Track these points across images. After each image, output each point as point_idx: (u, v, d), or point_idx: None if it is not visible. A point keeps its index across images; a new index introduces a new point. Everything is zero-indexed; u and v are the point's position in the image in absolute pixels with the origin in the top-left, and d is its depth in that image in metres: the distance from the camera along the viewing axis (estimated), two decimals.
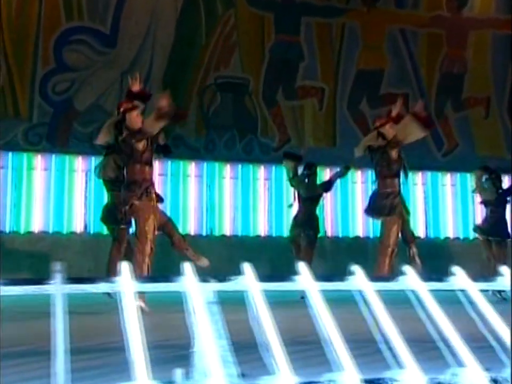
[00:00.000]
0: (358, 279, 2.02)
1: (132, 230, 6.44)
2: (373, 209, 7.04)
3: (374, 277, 2.05)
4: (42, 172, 10.55)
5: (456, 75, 12.95)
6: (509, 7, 12.99)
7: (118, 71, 11.00)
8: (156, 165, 10.86)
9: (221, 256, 10.21)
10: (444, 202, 12.56)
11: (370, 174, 9.53)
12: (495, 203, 8.94)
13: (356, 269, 2.05)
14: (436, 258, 10.21)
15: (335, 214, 11.81)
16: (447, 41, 12.94)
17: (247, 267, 1.95)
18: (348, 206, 11.85)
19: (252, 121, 11.64)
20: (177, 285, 1.87)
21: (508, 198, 9.07)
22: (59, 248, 10.17)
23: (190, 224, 11.03)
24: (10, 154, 10.44)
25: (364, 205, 8.42)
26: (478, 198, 9.79)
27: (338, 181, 9.88)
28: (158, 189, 10.75)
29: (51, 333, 1.56)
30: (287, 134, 11.78)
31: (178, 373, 1.90)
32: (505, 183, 9.90)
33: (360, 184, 11.79)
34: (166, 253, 6.77)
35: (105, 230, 8.47)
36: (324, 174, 11.03)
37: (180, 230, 7.50)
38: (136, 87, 6.11)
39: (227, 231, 11.25)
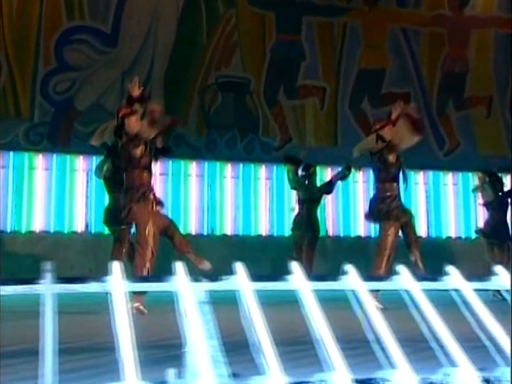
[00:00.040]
0: (351, 279, 2.01)
1: (133, 230, 6.45)
2: (371, 213, 7.03)
3: (368, 276, 2.04)
4: (43, 171, 10.57)
5: (458, 74, 12.93)
6: (511, 5, 12.96)
7: (119, 71, 11.01)
8: (157, 164, 10.91)
9: (222, 255, 10.19)
10: (446, 202, 12.54)
11: (372, 173, 9.50)
12: (495, 206, 8.93)
13: (349, 268, 2.04)
14: (437, 258, 10.16)
15: (336, 213, 11.80)
16: (448, 40, 12.91)
17: (239, 266, 1.94)
18: (349, 206, 11.84)
19: (253, 120, 11.64)
20: (168, 284, 1.86)
21: (509, 201, 9.04)
22: (60, 247, 10.18)
23: (191, 224, 11.03)
24: (11, 153, 10.46)
25: (366, 205, 8.41)
26: (479, 199, 9.77)
27: (339, 182, 9.87)
28: (159, 188, 10.84)
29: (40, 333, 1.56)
30: (288, 134, 11.77)
31: (171, 373, 1.89)
32: (508, 185, 9.84)
33: (362, 183, 11.77)
34: (167, 254, 6.75)
35: (106, 230, 8.47)
36: (325, 174, 11.03)
37: (181, 229, 7.49)
38: (135, 92, 6.10)
39: (228, 230, 11.25)
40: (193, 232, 10.88)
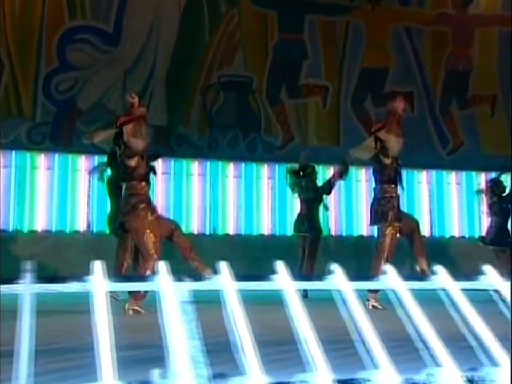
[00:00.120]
0: (337, 279, 1.99)
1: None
2: (370, 216, 7.01)
3: (354, 276, 2.02)
4: (45, 171, 10.58)
5: (462, 73, 12.88)
6: None
7: (121, 70, 11.02)
8: (159, 163, 10.90)
9: (224, 255, 10.17)
10: (449, 201, 12.50)
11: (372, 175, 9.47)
12: (495, 210, 8.88)
13: (336, 268, 2.02)
14: (440, 257, 10.13)
15: (339, 212, 11.77)
16: (452, 38, 12.87)
17: (223, 266, 1.92)
18: (351, 205, 11.82)
19: (255, 119, 11.62)
20: (151, 284, 1.85)
21: (509, 206, 8.94)
22: (62, 247, 10.20)
23: (193, 223, 11.03)
24: (13, 153, 10.48)
25: (368, 204, 8.37)
26: (482, 207, 9.71)
27: (341, 180, 9.81)
28: (161, 187, 10.84)
29: (17, 334, 1.54)
30: (290, 133, 11.75)
31: (155, 373, 1.88)
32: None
33: (364, 182, 11.73)
34: (167, 255, 6.74)
35: (108, 229, 8.50)
36: (328, 173, 10.98)
37: (183, 228, 7.47)
38: (137, 110, 6.09)
39: (230, 229, 11.24)
40: (195, 232, 10.87)
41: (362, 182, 11.79)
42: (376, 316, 1.89)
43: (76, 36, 10.92)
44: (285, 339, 1.94)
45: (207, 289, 1.88)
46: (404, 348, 2.11)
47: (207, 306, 2.23)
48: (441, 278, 2.06)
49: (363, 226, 11.69)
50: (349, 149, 7.50)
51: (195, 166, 11.24)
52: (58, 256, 10.05)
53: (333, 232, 11.61)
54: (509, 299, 1.98)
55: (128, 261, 6.81)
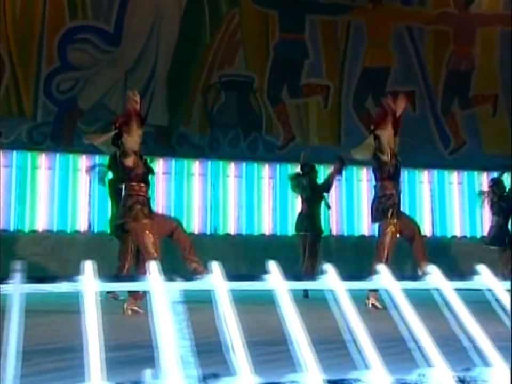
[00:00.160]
0: (329, 278, 1.98)
1: None
2: (371, 213, 6.98)
3: (347, 276, 2.01)
4: (46, 170, 10.59)
5: (464, 72, 12.85)
6: None
7: (122, 70, 11.01)
8: (160, 163, 10.91)
9: (225, 255, 10.18)
10: (451, 201, 12.47)
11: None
12: (496, 210, 8.87)
13: (328, 267, 2.01)
14: (442, 257, 10.14)
15: (340, 212, 11.75)
16: (454, 38, 12.84)
17: (214, 265, 1.91)
18: (353, 205, 11.80)
19: (257, 119, 11.61)
20: (142, 284, 1.84)
21: (509, 205, 8.92)
22: (63, 247, 10.20)
23: (194, 223, 11.02)
24: (14, 153, 10.49)
25: (369, 204, 8.35)
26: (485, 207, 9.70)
27: (340, 177, 9.81)
28: (162, 187, 10.84)
29: (3, 335, 1.53)
30: (291, 132, 11.74)
31: (148, 373, 1.87)
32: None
33: (366, 182, 11.70)
34: (168, 254, 6.73)
35: (109, 229, 8.50)
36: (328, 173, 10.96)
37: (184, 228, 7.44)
38: (136, 107, 6.06)
39: (231, 229, 11.23)
40: (196, 232, 10.86)
41: (363, 181, 11.77)
42: (370, 316, 1.88)
43: (76, 35, 10.93)
44: (278, 339, 1.93)
45: (199, 289, 1.88)
46: (397, 348, 2.10)
47: (200, 306, 2.23)
48: (434, 278, 2.05)
49: (364, 226, 11.68)
50: (351, 150, 7.46)
51: (196, 166, 11.24)
52: (59, 256, 10.05)
53: (334, 232, 11.59)
54: (503, 299, 1.97)
55: (130, 261, 6.81)
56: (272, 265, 1.98)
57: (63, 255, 10.06)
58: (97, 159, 9.74)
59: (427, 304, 2.09)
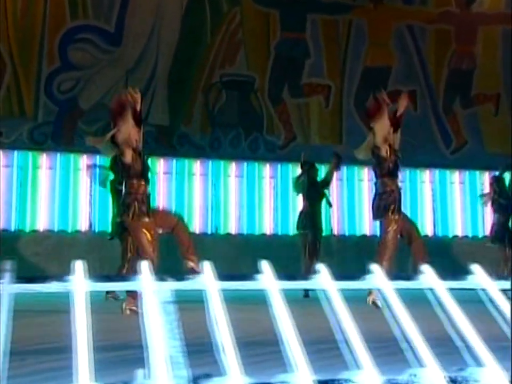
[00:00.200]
0: (322, 278, 1.97)
1: None
2: (372, 211, 6.94)
3: (340, 275, 2.00)
4: (47, 170, 10.60)
5: (465, 71, 12.83)
6: None
7: (123, 70, 11.01)
8: (161, 163, 10.92)
9: (227, 254, 10.19)
10: (452, 201, 12.45)
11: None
12: (496, 208, 8.85)
13: (321, 267, 2.00)
14: (444, 257, 10.13)
15: (341, 212, 11.74)
16: (455, 37, 12.82)
17: (206, 265, 1.90)
18: (354, 204, 11.78)
19: (258, 119, 11.60)
20: (132, 284, 1.83)
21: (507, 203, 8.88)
22: (64, 246, 10.20)
23: (195, 223, 11.01)
24: (15, 153, 10.50)
25: (371, 203, 8.32)
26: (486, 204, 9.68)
27: (338, 170, 9.83)
28: (163, 187, 10.84)
29: None
30: (292, 132, 11.73)
31: (140, 373, 1.86)
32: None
33: (367, 182, 11.69)
34: (169, 252, 6.72)
35: (109, 229, 8.49)
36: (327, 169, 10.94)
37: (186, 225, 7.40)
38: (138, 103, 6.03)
39: (232, 229, 11.23)
40: (197, 231, 10.85)
41: (364, 181, 11.75)
42: (364, 316, 1.87)
43: (77, 35, 10.93)
44: (271, 340, 1.92)
45: (190, 289, 1.86)
46: (391, 349, 2.08)
47: (193, 307, 2.22)
48: (428, 277, 2.03)
49: (366, 226, 11.67)
50: (353, 150, 7.42)
51: (197, 166, 11.24)
52: (60, 256, 10.04)
53: (335, 232, 11.57)
54: (497, 299, 1.96)
55: (130, 261, 6.79)
56: (265, 265, 1.97)
57: (64, 255, 10.05)
58: (98, 159, 9.75)
59: (421, 304, 2.08)
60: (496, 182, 9.00)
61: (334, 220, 11.57)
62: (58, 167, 10.63)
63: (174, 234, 6.20)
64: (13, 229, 10.32)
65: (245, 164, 11.42)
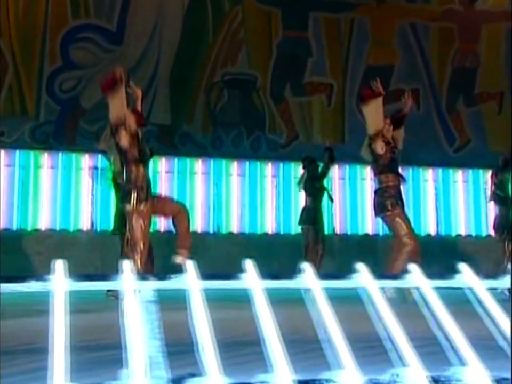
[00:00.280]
0: (306, 277, 1.95)
1: None
2: (373, 208, 6.93)
3: (324, 274, 1.98)
4: (49, 169, 10.61)
5: (469, 70, 12.79)
6: None
7: (125, 69, 10.96)
8: (163, 162, 10.91)
9: (228, 254, 10.18)
10: (456, 199, 12.41)
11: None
12: (496, 200, 8.84)
13: (306, 266, 1.98)
14: (447, 255, 10.10)
15: (344, 211, 11.71)
16: (459, 35, 12.78)
17: (189, 264, 1.89)
18: (356, 203, 11.76)
19: (260, 118, 11.59)
20: (114, 283, 1.81)
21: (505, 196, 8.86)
22: (66, 245, 10.21)
23: (197, 222, 10.99)
24: (17, 152, 10.51)
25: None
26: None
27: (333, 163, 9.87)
28: (165, 186, 10.83)
29: None
30: (295, 131, 11.71)
31: (125, 373, 1.85)
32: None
33: (369, 180, 11.66)
34: (170, 252, 6.71)
35: (112, 225, 8.51)
36: (332, 171, 10.93)
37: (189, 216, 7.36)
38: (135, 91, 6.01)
39: (234, 228, 11.21)
40: (199, 230, 10.85)
41: (367, 179, 11.72)
42: (350, 316, 1.85)
43: (79, 34, 10.94)
44: (254, 339, 1.91)
45: (172, 288, 1.85)
46: (377, 349, 2.06)
47: (176, 306, 2.21)
48: (415, 276, 2.02)
49: (368, 225, 11.65)
50: (360, 151, 7.38)
51: (199, 165, 11.23)
52: (62, 255, 9.95)
53: (338, 231, 11.56)
54: (484, 298, 1.94)
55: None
56: (249, 264, 1.96)
57: (65, 254, 10.06)
58: (100, 158, 9.77)
59: (407, 303, 2.06)
60: (495, 174, 8.98)
61: (336, 219, 11.55)
62: (60, 166, 10.64)
63: (175, 222, 6.15)
64: (14, 228, 10.33)
65: (247, 162, 11.41)
